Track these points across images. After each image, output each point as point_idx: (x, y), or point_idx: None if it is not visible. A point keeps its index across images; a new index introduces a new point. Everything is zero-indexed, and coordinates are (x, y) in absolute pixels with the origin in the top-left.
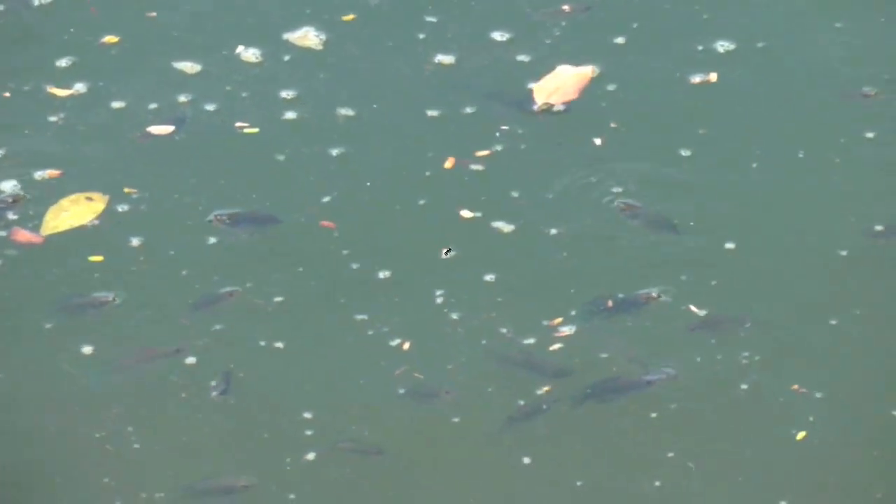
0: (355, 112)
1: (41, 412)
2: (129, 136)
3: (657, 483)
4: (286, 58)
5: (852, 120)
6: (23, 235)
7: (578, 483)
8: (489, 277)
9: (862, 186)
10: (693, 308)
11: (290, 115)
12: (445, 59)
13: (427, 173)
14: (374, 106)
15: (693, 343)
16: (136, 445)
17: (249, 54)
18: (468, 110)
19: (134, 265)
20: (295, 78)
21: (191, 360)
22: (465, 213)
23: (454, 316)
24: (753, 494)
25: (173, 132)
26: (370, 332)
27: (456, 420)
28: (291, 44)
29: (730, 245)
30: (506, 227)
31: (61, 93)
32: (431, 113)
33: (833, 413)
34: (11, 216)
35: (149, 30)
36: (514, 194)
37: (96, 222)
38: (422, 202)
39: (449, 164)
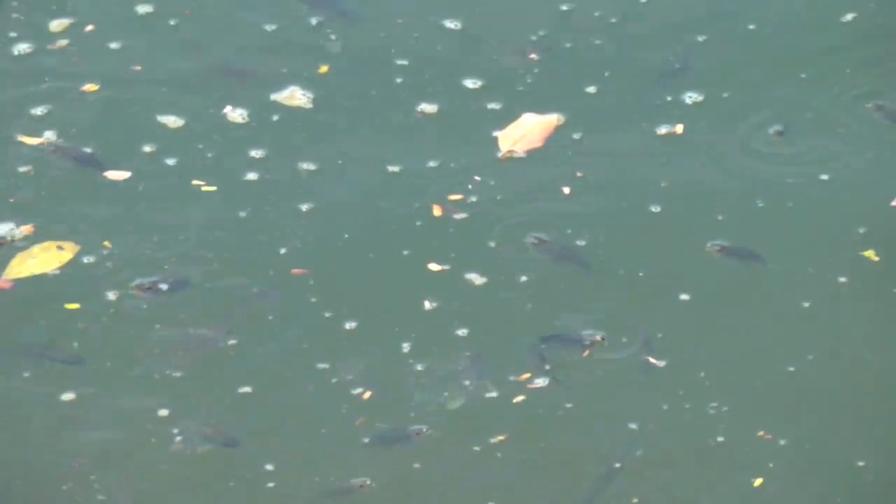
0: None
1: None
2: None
3: None
4: (274, 118)
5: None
6: None
7: None
8: (461, 332)
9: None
10: (652, 360)
11: (251, 175)
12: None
13: (396, 225)
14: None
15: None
16: (101, 497)
17: (237, 114)
18: (432, 163)
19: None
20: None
21: (162, 412)
22: (434, 266)
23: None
24: None
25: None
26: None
27: (417, 466)
28: (280, 104)
29: (684, 297)
30: (478, 279)
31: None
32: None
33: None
34: None
35: (134, 82)
36: (490, 244)
37: (57, 272)
38: (398, 252)
39: (437, 211)
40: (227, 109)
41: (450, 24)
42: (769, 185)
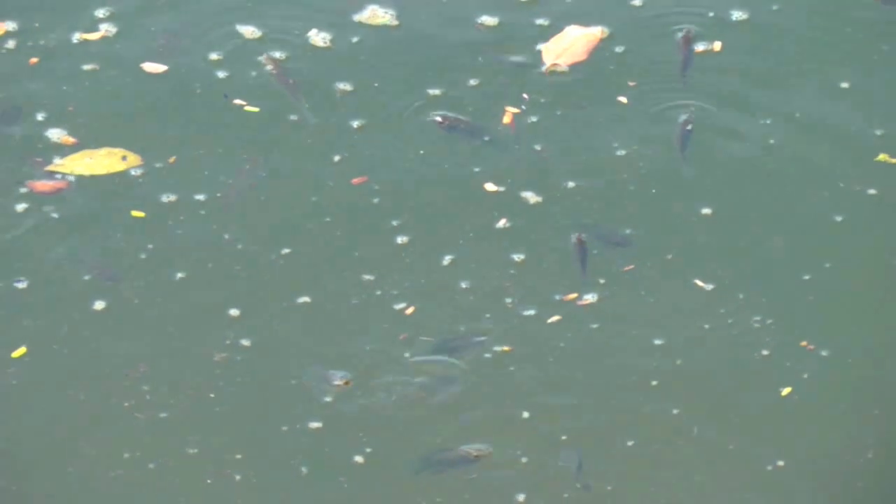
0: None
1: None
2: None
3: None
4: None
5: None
6: (43, 185)
7: None
8: (517, 257)
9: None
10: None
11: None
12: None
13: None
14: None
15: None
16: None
17: (319, 38)
18: (473, 82)
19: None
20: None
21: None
22: (490, 187)
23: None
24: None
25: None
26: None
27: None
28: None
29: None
30: (533, 197)
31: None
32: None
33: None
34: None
35: None
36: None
37: (117, 178)
38: (446, 166)
39: (507, 118)
40: (312, 32)
41: None
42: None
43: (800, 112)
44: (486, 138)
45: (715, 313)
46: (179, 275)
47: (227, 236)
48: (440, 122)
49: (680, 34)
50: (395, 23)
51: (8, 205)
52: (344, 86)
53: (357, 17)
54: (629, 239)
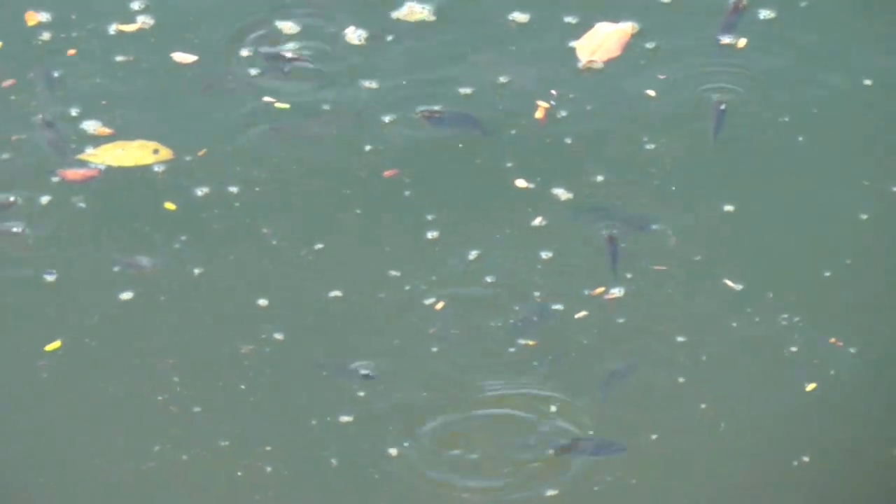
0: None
1: None
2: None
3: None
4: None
5: None
6: (73, 173)
7: None
8: (545, 254)
9: None
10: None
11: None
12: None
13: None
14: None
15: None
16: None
17: (355, 36)
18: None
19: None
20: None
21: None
22: (521, 183)
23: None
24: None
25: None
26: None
27: None
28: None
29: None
30: (564, 194)
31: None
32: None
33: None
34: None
35: None
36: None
37: (147, 170)
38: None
39: (540, 114)
40: (349, 30)
41: None
42: (841, 96)
43: (824, 109)
44: (478, 130)
45: (742, 311)
46: (210, 267)
47: (264, 230)
48: (426, 116)
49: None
50: (433, 18)
51: (38, 194)
52: (370, 83)
53: (395, 14)
54: (653, 227)
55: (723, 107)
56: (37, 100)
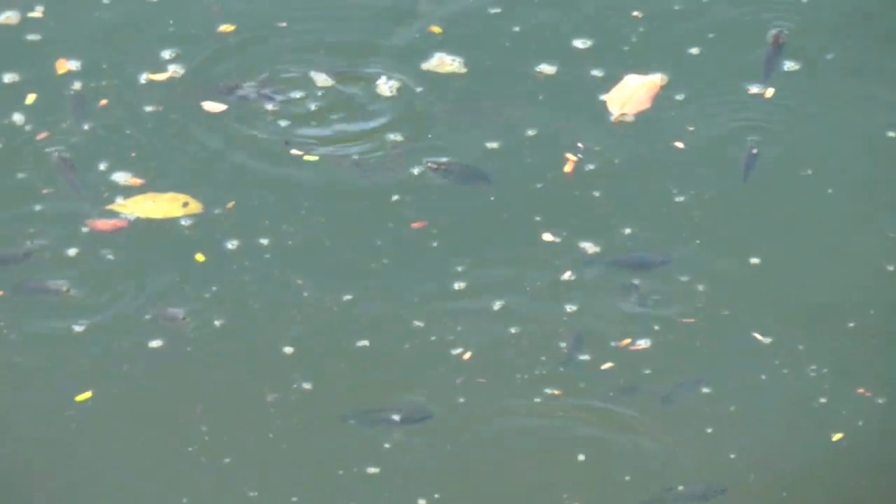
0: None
1: None
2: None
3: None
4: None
5: None
6: (103, 223)
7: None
8: (570, 307)
9: None
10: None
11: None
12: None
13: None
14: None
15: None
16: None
17: (386, 87)
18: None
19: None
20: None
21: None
22: (548, 237)
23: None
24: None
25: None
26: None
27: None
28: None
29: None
30: (591, 247)
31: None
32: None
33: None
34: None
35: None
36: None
37: (176, 223)
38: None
39: (569, 167)
40: (380, 81)
41: None
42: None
43: (850, 164)
44: (485, 182)
45: (770, 364)
46: (239, 317)
47: (297, 281)
48: (433, 168)
49: (771, 33)
50: (463, 70)
51: (67, 244)
52: (395, 136)
53: (425, 66)
54: (682, 279)
55: (755, 150)
56: (69, 151)
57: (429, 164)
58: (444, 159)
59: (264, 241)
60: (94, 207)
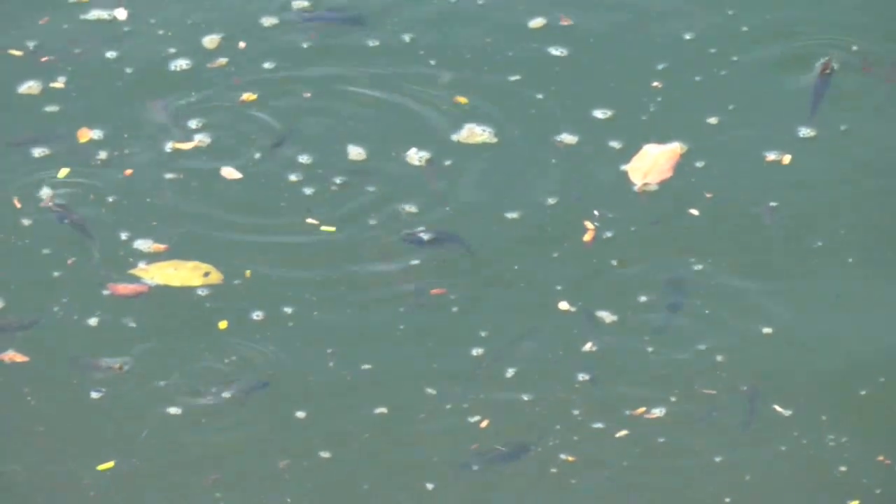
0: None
1: None
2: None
3: None
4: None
5: None
6: (124, 288)
7: None
8: (583, 375)
9: None
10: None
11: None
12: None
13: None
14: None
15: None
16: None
17: (416, 157)
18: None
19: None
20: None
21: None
22: (564, 306)
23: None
24: None
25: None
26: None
27: None
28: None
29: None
30: (609, 317)
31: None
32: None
33: None
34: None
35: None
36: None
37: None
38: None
39: (588, 236)
40: (412, 152)
41: (556, 52)
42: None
43: (861, 235)
44: (464, 249)
45: (789, 435)
46: (261, 386)
47: (326, 350)
48: (405, 238)
49: (820, 62)
50: (495, 140)
51: (86, 309)
52: (410, 207)
53: (455, 137)
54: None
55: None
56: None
57: (404, 234)
58: (420, 228)
59: (288, 310)
60: (111, 271)
